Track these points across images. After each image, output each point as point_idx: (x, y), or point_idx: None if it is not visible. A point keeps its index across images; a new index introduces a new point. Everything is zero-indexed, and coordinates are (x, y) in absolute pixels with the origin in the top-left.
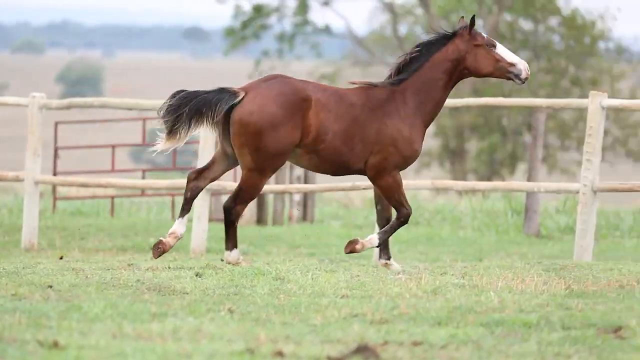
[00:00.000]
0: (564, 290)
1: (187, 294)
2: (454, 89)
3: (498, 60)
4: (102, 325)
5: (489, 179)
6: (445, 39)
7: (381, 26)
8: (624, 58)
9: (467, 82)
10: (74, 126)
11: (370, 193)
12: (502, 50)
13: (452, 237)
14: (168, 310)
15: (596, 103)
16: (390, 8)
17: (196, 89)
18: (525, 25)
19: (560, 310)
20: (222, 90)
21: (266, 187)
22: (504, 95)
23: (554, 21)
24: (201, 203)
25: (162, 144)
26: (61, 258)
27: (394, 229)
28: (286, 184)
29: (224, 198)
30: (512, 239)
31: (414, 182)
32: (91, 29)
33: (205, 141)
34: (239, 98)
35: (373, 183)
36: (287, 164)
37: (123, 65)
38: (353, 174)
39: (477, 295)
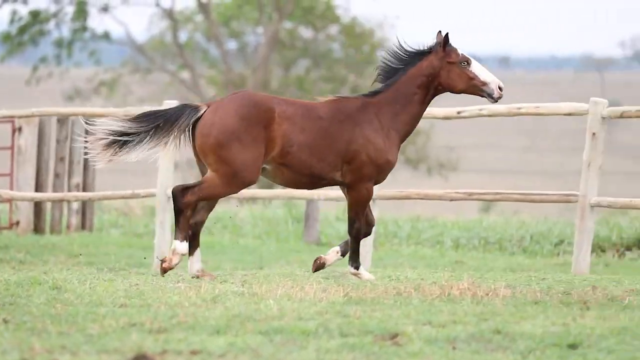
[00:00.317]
0: (342, 298)
1: None
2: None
3: (471, 78)
4: None
5: (270, 187)
6: (421, 54)
7: (161, 33)
8: None
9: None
10: None
11: (151, 201)
12: (476, 68)
13: (233, 245)
14: None
15: None
16: (170, 15)
17: (157, 109)
18: (306, 33)
19: (339, 318)
20: (184, 106)
21: (43, 195)
22: None
23: (333, 29)
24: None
25: (103, 157)
26: None
27: (353, 245)
28: (64, 191)
29: None
30: (292, 247)
31: None
32: None
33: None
34: (201, 112)
35: (346, 194)
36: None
37: None
38: (331, 185)
39: (256, 304)
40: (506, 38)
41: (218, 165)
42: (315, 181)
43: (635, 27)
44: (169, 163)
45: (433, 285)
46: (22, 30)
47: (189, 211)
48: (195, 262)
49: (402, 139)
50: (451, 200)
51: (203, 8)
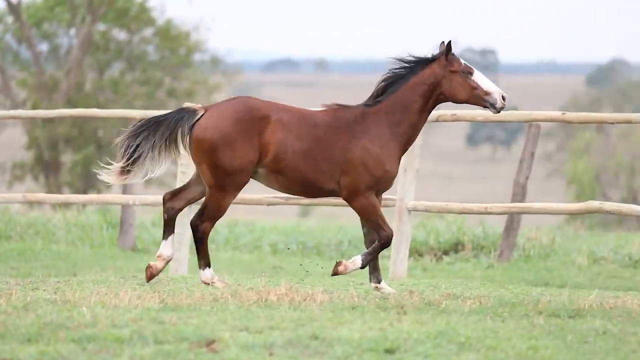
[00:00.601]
0: (158, 304)
1: None
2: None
3: (474, 87)
4: None
5: (84, 191)
6: (424, 63)
7: None
8: (219, 70)
9: (60, 92)
10: None
11: None
12: (479, 78)
13: (45, 252)
14: None
15: None
16: None
17: (155, 115)
18: (120, 35)
19: (154, 324)
20: (181, 110)
21: None
22: (99, 106)
23: (148, 32)
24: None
25: (114, 176)
26: None
27: (377, 251)
28: None
29: None
30: (107, 253)
31: (5, 196)
32: None
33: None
34: (199, 116)
35: (349, 205)
36: None
37: None
38: (328, 195)
39: (69, 311)
40: (323, 42)
41: (211, 170)
42: (310, 190)
43: (450, 30)
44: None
45: (250, 290)
46: None
47: (207, 239)
48: (167, 249)
49: (403, 149)
50: (269, 204)
51: (13, 9)
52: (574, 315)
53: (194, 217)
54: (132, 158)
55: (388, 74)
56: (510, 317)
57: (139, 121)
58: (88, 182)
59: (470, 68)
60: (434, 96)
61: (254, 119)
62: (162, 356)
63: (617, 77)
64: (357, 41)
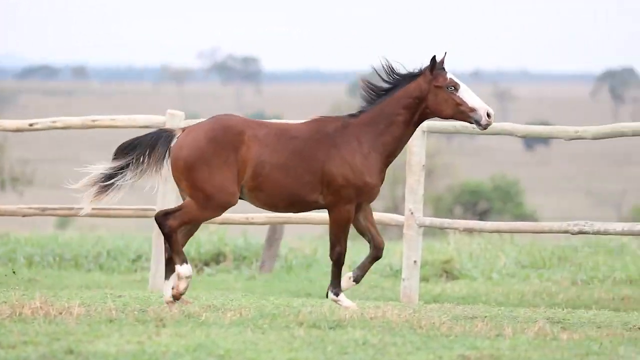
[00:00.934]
0: None
1: None
2: None
3: (458, 104)
4: None
5: None
6: (411, 76)
7: None
8: None
9: None
10: None
11: None
12: (464, 93)
13: None
14: None
15: None
16: None
17: (134, 138)
18: None
19: None
20: (160, 131)
21: None
22: None
23: None
24: None
25: (89, 201)
26: None
27: (338, 269)
28: None
29: None
30: None
31: None
32: None
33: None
34: (176, 136)
35: (329, 215)
36: None
37: None
38: (315, 208)
39: None
40: (83, 48)
41: (191, 190)
42: (295, 204)
43: (212, 39)
44: None
45: (3, 304)
46: None
47: (176, 234)
48: (171, 288)
49: (386, 161)
50: (24, 215)
51: None
52: (334, 326)
53: (160, 212)
54: (110, 181)
55: (374, 86)
56: (270, 328)
57: (119, 146)
58: None
59: (456, 83)
60: (420, 110)
61: (228, 136)
62: None
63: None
64: (116, 49)
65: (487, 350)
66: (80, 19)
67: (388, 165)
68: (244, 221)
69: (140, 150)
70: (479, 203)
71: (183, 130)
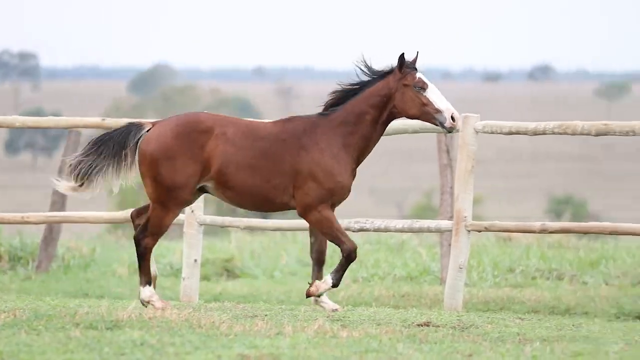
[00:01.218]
0: None
1: None
2: None
3: (424, 104)
4: None
5: None
6: (381, 75)
7: None
8: None
9: None
10: None
11: None
12: (432, 94)
13: None
14: None
15: None
16: None
17: (106, 132)
18: None
19: None
20: (129, 125)
21: None
22: None
23: None
24: None
25: (68, 188)
26: None
27: (344, 266)
28: None
29: None
30: None
31: None
32: None
33: None
34: (145, 130)
35: (304, 219)
36: None
37: None
38: (284, 209)
39: None
40: None
41: (154, 185)
42: (263, 204)
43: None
44: None
45: None
46: None
47: (150, 253)
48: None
49: (357, 160)
50: None
51: None
52: (112, 326)
53: (137, 231)
54: (85, 176)
55: (344, 85)
56: (45, 330)
57: (91, 140)
58: None
59: (425, 83)
60: (388, 109)
61: (195, 132)
62: None
63: (160, 82)
64: None
65: (266, 349)
66: None
67: (359, 164)
68: (19, 220)
69: (112, 143)
70: None
71: (153, 124)
